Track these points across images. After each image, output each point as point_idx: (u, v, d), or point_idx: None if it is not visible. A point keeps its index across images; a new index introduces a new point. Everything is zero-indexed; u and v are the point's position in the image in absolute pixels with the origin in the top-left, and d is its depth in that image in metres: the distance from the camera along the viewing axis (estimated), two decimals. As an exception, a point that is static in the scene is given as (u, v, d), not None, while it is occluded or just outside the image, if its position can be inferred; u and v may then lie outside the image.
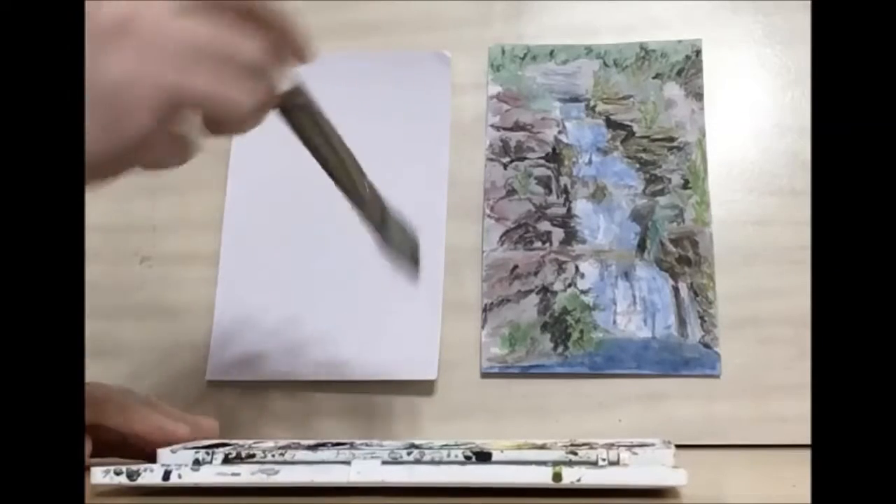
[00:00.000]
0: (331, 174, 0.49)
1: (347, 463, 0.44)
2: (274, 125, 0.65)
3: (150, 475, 0.45)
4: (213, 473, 0.45)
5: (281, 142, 0.61)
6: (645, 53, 0.63)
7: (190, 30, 0.38)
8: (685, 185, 0.60)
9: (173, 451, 0.47)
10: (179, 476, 0.45)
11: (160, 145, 0.40)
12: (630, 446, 0.44)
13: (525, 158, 0.62)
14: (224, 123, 0.41)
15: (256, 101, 0.42)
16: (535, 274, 0.59)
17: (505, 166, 0.62)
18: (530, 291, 0.59)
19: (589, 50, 0.64)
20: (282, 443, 0.51)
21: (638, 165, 0.61)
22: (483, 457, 0.44)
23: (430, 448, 0.46)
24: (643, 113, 0.62)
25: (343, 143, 0.49)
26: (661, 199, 0.60)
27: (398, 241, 0.51)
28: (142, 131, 0.38)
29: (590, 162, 0.61)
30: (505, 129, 0.63)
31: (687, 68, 0.63)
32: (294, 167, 0.53)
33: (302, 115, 0.47)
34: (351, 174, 0.49)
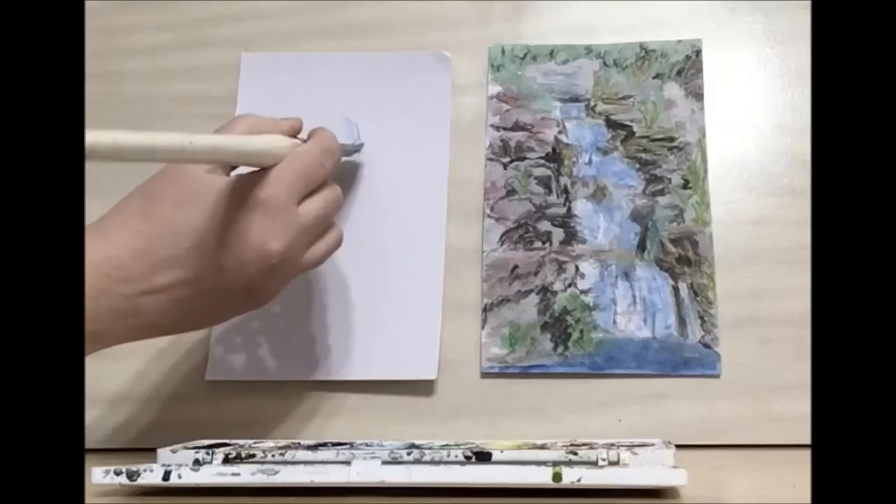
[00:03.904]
0: None
1: (347, 463, 0.44)
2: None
3: (150, 475, 0.45)
4: (213, 473, 0.45)
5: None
6: (645, 53, 0.63)
7: (306, 221, 0.49)
8: (685, 185, 0.60)
9: (173, 451, 0.47)
10: (179, 476, 0.45)
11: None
12: (630, 446, 0.44)
13: (525, 158, 0.62)
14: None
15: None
16: (535, 274, 0.59)
17: (505, 166, 0.62)
18: (530, 291, 0.59)
19: (589, 50, 0.64)
20: (282, 443, 0.51)
21: (638, 165, 0.61)
22: (483, 457, 0.44)
23: (430, 448, 0.46)
24: (643, 113, 0.62)
25: None
26: (661, 199, 0.60)
27: None
28: (271, 299, 0.50)
29: (590, 162, 0.61)
30: (505, 129, 0.63)
31: (687, 68, 0.63)
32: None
33: None
34: None
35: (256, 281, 0.48)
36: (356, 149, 0.61)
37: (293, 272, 0.50)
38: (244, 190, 0.47)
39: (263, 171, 0.48)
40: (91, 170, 0.37)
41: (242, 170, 0.49)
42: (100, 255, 0.44)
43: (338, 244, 0.53)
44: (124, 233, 0.45)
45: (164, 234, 0.45)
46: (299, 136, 0.53)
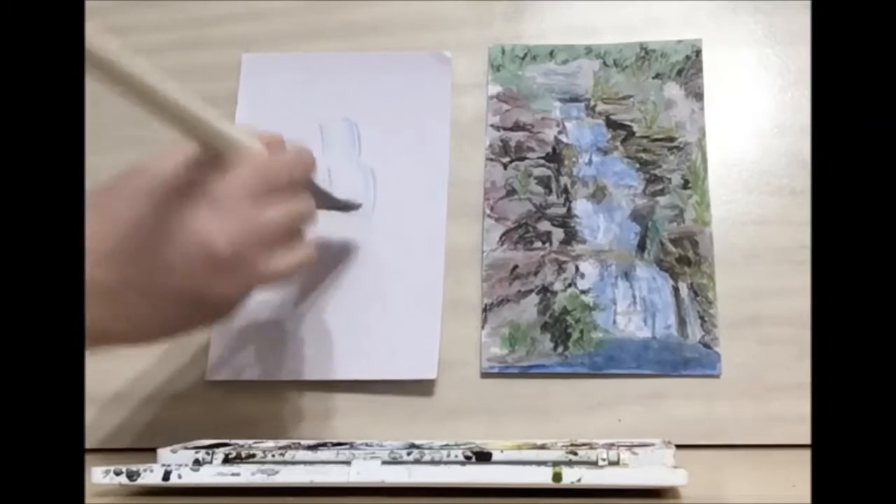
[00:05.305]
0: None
1: (347, 463, 0.44)
2: (273, 125, 0.65)
3: (150, 475, 0.45)
4: (213, 473, 0.45)
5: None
6: (645, 53, 0.63)
7: (263, 225, 0.46)
8: (685, 185, 0.60)
9: (173, 451, 0.47)
10: (179, 476, 0.45)
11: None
12: (630, 446, 0.44)
13: (525, 158, 0.62)
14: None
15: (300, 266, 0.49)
16: (535, 274, 0.59)
17: (505, 166, 0.62)
18: (530, 291, 0.59)
19: (589, 50, 0.64)
20: (282, 443, 0.51)
21: (638, 165, 0.61)
22: (483, 457, 0.44)
23: (430, 448, 0.46)
24: (643, 113, 0.62)
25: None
26: (661, 199, 0.60)
27: None
28: (231, 312, 0.47)
29: (590, 162, 0.61)
30: (505, 129, 0.63)
31: (687, 68, 0.63)
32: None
33: None
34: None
35: (205, 284, 0.44)
36: (352, 206, 0.60)
37: (250, 278, 0.46)
38: (197, 185, 0.45)
39: (222, 168, 0.46)
40: (90, 167, 0.37)
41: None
42: None
43: (306, 259, 0.49)
44: None
45: (111, 227, 0.43)
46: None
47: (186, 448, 0.48)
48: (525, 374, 0.57)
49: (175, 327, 0.47)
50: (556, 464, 0.43)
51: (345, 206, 0.59)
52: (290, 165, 0.49)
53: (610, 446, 0.44)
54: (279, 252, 0.47)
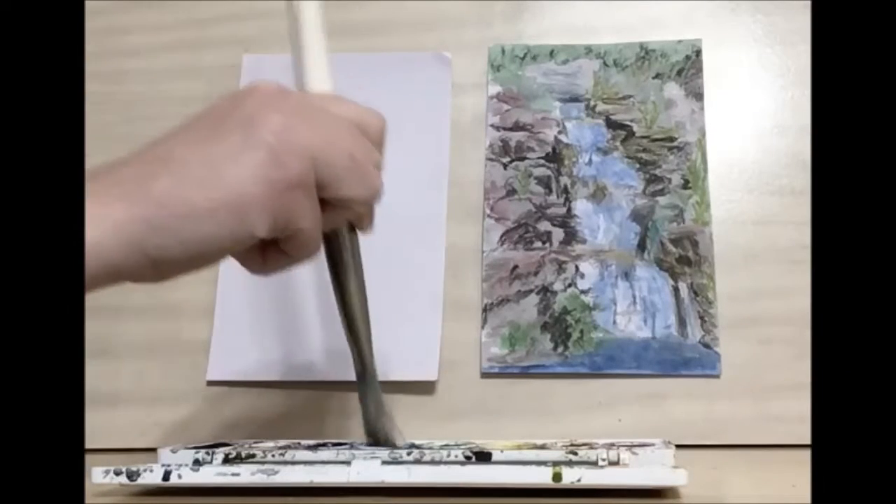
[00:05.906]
0: (346, 312, 0.50)
1: (347, 463, 0.44)
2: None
3: (150, 475, 0.45)
4: (213, 473, 0.45)
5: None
6: (645, 53, 0.63)
7: (337, 109, 0.45)
8: (685, 185, 0.60)
9: (173, 451, 0.47)
10: (179, 476, 0.45)
11: (304, 213, 0.41)
12: (630, 446, 0.44)
13: (525, 158, 0.62)
14: (347, 205, 0.44)
15: (378, 192, 0.45)
16: (535, 274, 0.59)
17: (505, 166, 0.62)
18: (530, 291, 0.59)
19: (589, 50, 0.64)
20: (282, 443, 0.51)
21: (638, 165, 0.61)
22: (483, 457, 0.44)
23: (430, 448, 0.46)
24: (643, 113, 0.62)
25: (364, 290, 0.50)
26: (661, 199, 0.60)
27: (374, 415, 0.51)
28: (292, 179, 0.40)
29: (590, 162, 0.61)
30: (505, 129, 0.63)
31: (687, 68, 0.63)
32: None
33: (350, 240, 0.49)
34: (362, 325, 0.50)
35: (253, 112, 0.40)
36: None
37: (305, 120, 0.41)
38: None
39: None
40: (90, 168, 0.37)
41: None
42: None
43: (373, 182, 0.44)
44: None
45: None
46: None
47: (186, 448, 0.48)
48: (525, 374, 0.57)
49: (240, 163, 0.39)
50: (556, 464, 0.43)
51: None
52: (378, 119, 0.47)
53: (610, 446, 0.44)
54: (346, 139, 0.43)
